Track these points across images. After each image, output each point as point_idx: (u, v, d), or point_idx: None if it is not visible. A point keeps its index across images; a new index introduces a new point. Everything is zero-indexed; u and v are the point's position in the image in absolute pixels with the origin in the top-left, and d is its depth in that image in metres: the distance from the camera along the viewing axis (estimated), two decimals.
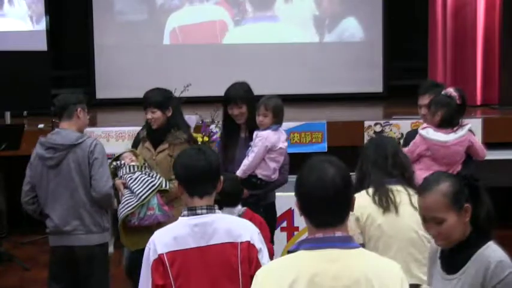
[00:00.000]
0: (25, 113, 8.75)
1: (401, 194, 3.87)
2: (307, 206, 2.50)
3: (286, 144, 5.37)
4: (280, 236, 6.34)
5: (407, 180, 3.95)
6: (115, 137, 7.71)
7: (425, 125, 5.34)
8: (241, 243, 3.23)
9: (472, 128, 5.50)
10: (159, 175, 5.17)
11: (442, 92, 5.30)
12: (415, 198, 3.41)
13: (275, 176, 5.37)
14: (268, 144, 5.19)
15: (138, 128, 7.92)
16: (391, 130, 7.88)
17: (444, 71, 9.53)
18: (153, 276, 3.18)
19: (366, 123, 7.92)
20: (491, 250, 2.84)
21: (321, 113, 9.15)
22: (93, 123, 8.38)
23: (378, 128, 7.89)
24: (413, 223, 3.74)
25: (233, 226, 3.28)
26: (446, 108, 5.19)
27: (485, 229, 2.91)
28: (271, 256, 3.88)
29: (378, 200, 3.83)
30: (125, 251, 5.65)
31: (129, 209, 4.95)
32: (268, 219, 5.05)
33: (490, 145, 7.85)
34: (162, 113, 5.30)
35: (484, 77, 9.45)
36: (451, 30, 9.47)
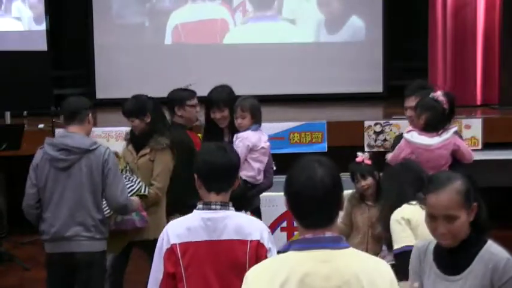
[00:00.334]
0: (25, 113, 8.75)
1: None
2: (296, 206, 2.50)
3: (268, 144, 5.30)
4: (280, 236, 6.34)
5: None
6: (115, 137, 7.71)
7: (410, 128, 5.25)
8: (250, 241, 3.31)
9: (458, 131, 5.42)
10: (139, 180, 5.19)
11: (430, 95, 5.17)
12: None
13: (260, 177, 5.32)
14: (249, 144, 5.14)
15: None
16: (391, 130, 7.88)
17: (444, 71, 9.52)
18: (165, 264, 3.31)
19: (366, 123, 7.92)
20: (496, 248, 2.88)
21: (321, 113, 9.15)
22: (92, 123, 8.38)
23: (377, 128, 7.90)
24: None
25: (244, 224, 3.35)
26: (431, 112, 5.07)
27: (485, 229, 2.93)
28: None
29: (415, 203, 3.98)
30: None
31: (106, 212, 4.91)
32: None
33: (490, 145, 7.90)
34: (140, 121, 5.35)
35: (484, 77, 9.46)
36: (451, 30, 9.47)
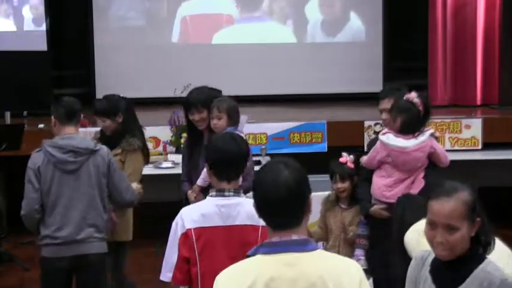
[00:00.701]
0: (25, 113, 8.75)
1: None
2: (262, 207, 2.54)
3: None
4: None
5: None
6: None
7: (386, 130, 5.13)
8: (262, 226, 3.31)
9: (434, 133, 5.25)
10: None
11: (404, 97, 5.05)
12: None
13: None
14: None
15: None
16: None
17: (444, 71, 9.53)
18: (180, 248, 3.43)
19: (366, 123, 7.91)
20: (493, 267, 2.75)
21: (321, 113, 9.15)
22: (93, 123, 8.38)
23: (377, 128, 7.89)
24: None
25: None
26: (406, 114, 4.95)
27: (487, 247, 2.81)
28: None
29: None
30: None
31: None
32: None
33: (490, 145, 7.90)
34: (111, 121, 5.31)
35: (484, 77, 9.46)
36: (451, 30, 9.48)
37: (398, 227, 3.64)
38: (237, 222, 3.45)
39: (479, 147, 7.82)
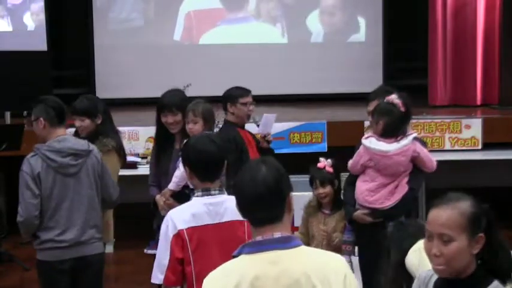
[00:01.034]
0: (25, 113, 8.73)
1: None
2: (242, 204, 2.59)
3: None
4: None
5: None
6: None
7: (369, 133, 5.02)
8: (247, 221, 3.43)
9: (418, 137, 5.16)
10: None
11: (385, 99, 4.93)
12: None
13: None
14: None
15: (139, 128, 7.97)
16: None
17: (444, 71, 9.53)
18: (173, 249, 3.48)
19: (366, 123, 7.86)
20: None
21: (321, 113, 9.15)
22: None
23: None
24: None
25: None
26: (388, 116, 4.84)
27: (503, 274, 2.58)
28: None
29: None
30: None
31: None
32: None
33: (490, 145, 7.90)
34: (91, 121, 5.18)
35: (484, 77, 9.46)
36: (451, 30, 9.48)
37: (399, 256, 3.48)
38: (225, 219, 3.54)
39: (479, 147, 7.82)
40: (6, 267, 7.25)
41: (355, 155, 5.01)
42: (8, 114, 8.46)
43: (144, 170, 6.34)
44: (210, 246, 3.51)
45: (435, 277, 2.65)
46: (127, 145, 6.75)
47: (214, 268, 3.13)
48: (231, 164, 5.14)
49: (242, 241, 3.28)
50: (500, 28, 9.29)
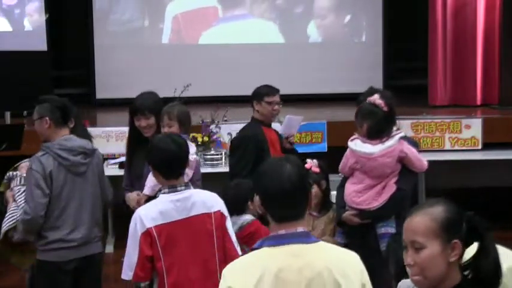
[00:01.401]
0: (25, 113, 8.72)
1: None
2: (267, 201, 2.65)
3: (194, 157, 4.67)
4: None
5: None
6: (115, 137, 7.69)
7: (355, 135, 4.93)
8: (214, 212, 3.76)
9: (408, 136, 5.06)
10: None
11: (367, 101, 4.83)
12: None
13: None
14: None
15: None
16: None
17: (444, 71, 9.53)
18: (142, 247, 3.62)
19: None
20: None
21: (321, 113, 9.15)
22: (93, 123, 8.38)
23: None
24: None
25: (206, 199, 3.80)
26: (371, 118, 4.76)
27: (489, 284, 2.42)
28: None
29: None
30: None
31: (11, 223, 4.65)
32: None
33: (490, 145, 7.90)
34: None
35: (484, 77, 9.46)
36: (451, 30, 9.48)
37: (397, 267, 3.32)
38: (193, 213, 3.71)
39: (479, 147, 7.82)
40: (6, 267, 7.24)
41: (343, 157, 4.96)
42: (8, 114, 8.45)
43: None
44: (179, 240, 3.66)
45: None
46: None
47: (184, 261, 3.59)
48: (243, 161, 5.28)
49: (210, 233, 3.73)
50: (500, 28, 9.29)
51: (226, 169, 7.14)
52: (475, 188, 8.06)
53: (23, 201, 4.58)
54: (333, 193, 5.07)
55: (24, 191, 4.63)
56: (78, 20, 10.50)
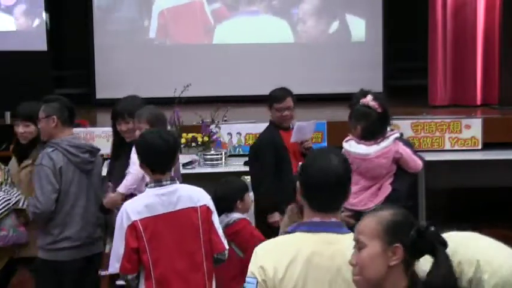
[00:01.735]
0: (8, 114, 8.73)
1: None
2: (310, 190, 2.70)
3: None
4: None
5: None
6: None
7: (349, 137, 4.93)
8: (200, 207, 3.85)
9: (402, 137, 5.06)
10: (18, 193, 4.81)
11: (360, 102, 4.84)
12: None
13: None
14: None
15: None
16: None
17: (444, 71, 9.52)
18: (127, 240, 3.72)
19: None
20: None
21: (321, 113, 9.14)
22: (93, 123, 8.38)
23: None
24: None
25: (192, 193, 3.88)
26: (365, 119, 4.78)
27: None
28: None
29: None
30: None
31: None
32: None
33: (490, 145, 7.89)
34: (35, 127, 4.89)
35: (484, 77, 9.45)
36: (451, 30, 9.47)
37: None
38: (178, 207, 3.80)
39: (479, 147, 7.81)
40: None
41: None
42: (8, 114, 8.45)
43: None
44: (165, 234, 3.76)
45: None
46: None
47: (170, 254, 3.69)
48: (264, 164, 5.33)
49: (196, 227, 3.82)
50: (500, 28, 9.28)
51: (226, 169, 7.15)
52: (475, 188, 8.05)
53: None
54: None
55: None
56: (78, 20, 10.50)
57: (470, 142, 7.84)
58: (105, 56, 10.32)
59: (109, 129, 7.74)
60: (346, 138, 4.93)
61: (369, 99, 4.82)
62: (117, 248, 3.79)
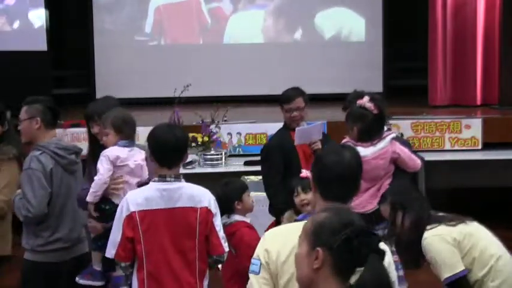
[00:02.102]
0: (9, 114, 8.72)
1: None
2: (323, 179, 2.83)
3: (137, 163, 4.32)
4: None
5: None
6: None
7: (346, 139, 4.91)
8: (200, 208, 3.86)
9: (399, 137, 5.15)
10: None
11: (356, 103, 4.82)
12: None
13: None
14: (108, 154, 4.25)
15: (139, 128, 7.93)
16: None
17: (444, 71, 9.52)
18: (124, 229, 3.80)
19: None
20: None
21: (321, 113, 9.14)
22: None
23: None
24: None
25: (195, 193, 3.89)
26: (361, 121, 4.76)
27: None
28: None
29: (455, 223, 3.98)
30: None
31: None
32: None
33: (490, 145, 7.90)
34: (2, 127, 4.92)
35: (484, 77, 9.46)
36: (451, 30, 9.47)
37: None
38: (178, 205, 3.83)
39: (479, 147, 7.82)
40: (6, 267, 7.24)
41: None
42: (8, 114, 8.45)
43: None
44: (161, 228, 3.82)
45: None
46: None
47: (164, 248, 3.79)
48: (273, 164, 5.36)
49: (193, 227, 3.85)
50: (500, 28, 9.29)
51: (226, 169, 7.16)
52: (475, 188, 8.06)
53: None
54: None
55: None
56: (78, 20, 10.50)
57: (470, 142, 7.85)
58: (105, 56, 10.32)
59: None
60: (343, 140, 4.91)
61: (365, 101, 4.81)
62: (114, 235, 3.86)
